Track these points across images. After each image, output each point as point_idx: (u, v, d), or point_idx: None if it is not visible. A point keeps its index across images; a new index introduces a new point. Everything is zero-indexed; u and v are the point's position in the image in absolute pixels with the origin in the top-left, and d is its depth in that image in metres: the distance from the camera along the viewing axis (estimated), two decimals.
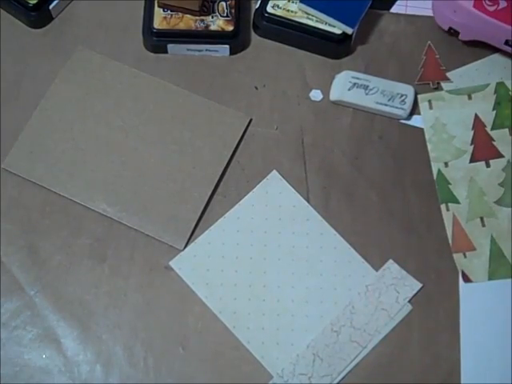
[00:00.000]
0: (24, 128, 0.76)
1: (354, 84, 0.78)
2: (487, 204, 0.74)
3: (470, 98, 0.79)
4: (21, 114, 0.77)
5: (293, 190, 0.74)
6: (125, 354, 0.67)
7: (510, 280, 0.71)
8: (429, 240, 0.73)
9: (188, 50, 0.80)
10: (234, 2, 0.80)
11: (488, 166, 0.76)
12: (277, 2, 0.80)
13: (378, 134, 0.78)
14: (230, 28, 0.79)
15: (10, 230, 0.72)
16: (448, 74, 0.81)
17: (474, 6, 0.77)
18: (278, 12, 0.80)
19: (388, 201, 0.75)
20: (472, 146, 0.77)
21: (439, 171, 0.76)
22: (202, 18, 0.79)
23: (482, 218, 0.74)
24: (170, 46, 0.80)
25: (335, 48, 0.80)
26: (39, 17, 0.80)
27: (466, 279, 0.71)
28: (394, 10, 0.85)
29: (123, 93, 0.78)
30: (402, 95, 0.77)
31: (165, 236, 0.72)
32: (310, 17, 0.80)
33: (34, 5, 0.79)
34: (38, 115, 0.76)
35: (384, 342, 0.68)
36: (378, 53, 0.82)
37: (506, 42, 0.78)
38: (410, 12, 0.84)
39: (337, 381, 0.66)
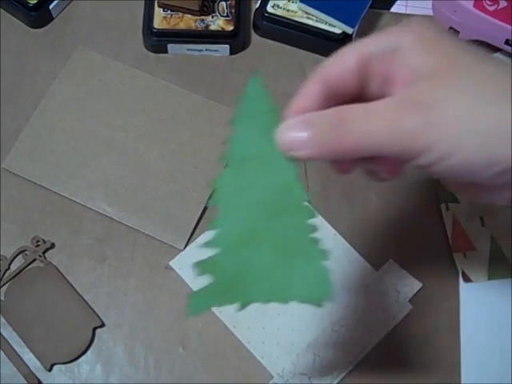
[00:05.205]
0: (24, 128, 0.76)
1: None
2: (487, 203, 0.74)
3: None
4: (21, 113, 0.77)
5: None
6: (125, 353, 0.67)
7: (510, 280, 0.71)
8: (429, 240, 0.73)
9: (188, 49, 0.80)
10: (234, 2, 0.80)
11: None
12: (277, 2, 0.80)
13: None
14: (230, 28, 0.79)
15: (10, 230, 0.72)
16: None
17: (475, 6, 0.77)
18: (279, 12, 0.80)
19: (388, 201, 0.75)
20: None
21: None
22: (202, 17, 0.79)
23: (481, 218, 0.73)
24: (170, 46, 0.80)
25: (336, 48, 0.80)
26: (39, 17, 0.80)
27: (466, 279, 0.71)
28: (394, 9, 0.85)
29: (123, 93, 0.78)
30: None
31: (165, 236, 0.72)
32: (311, 16, 0.80)
33: (33, 4, 0.79)
34: (38, 115, 0.76)
35: (384, 342, 0.68)
36: None
37: (507, 42, 0.77)
38: (410, 12, 0.84)
39: (337, 381, 0.66)
